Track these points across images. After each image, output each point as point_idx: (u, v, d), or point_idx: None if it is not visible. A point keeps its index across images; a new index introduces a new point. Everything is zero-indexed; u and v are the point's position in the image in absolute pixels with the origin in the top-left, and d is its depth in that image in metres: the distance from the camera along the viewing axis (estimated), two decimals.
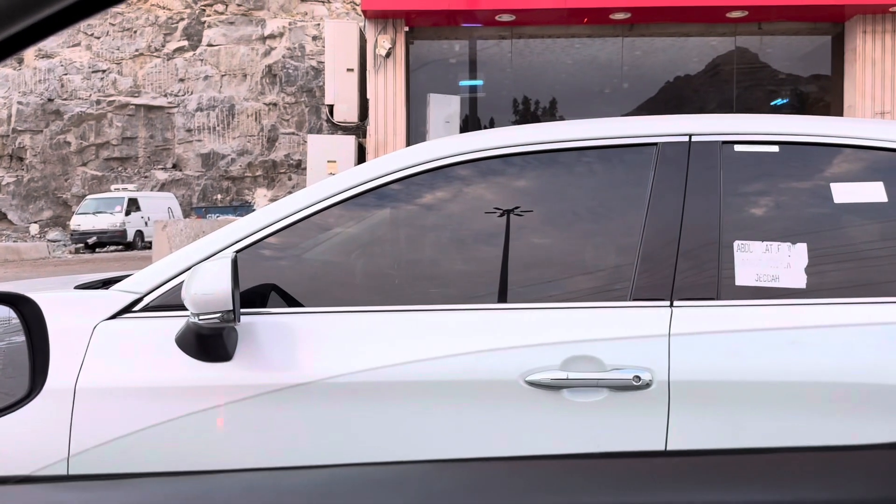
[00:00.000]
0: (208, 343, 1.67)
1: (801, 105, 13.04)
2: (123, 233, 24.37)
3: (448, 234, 2.05)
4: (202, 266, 1.64)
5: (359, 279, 2.10)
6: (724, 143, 1.85)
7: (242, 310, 1.73)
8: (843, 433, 1.59)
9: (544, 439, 1.64)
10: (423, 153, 1.92)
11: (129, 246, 24.38)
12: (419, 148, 1.97)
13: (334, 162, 10.78)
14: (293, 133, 28.22)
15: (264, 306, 1.85)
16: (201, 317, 1.61)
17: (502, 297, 1.87)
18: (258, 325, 1.75)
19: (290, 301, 1.90)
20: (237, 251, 1.80)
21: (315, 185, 1.96)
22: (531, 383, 1.63)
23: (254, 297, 1.87)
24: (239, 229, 1.85)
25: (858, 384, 1.60)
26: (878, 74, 10.74)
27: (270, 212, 1.87)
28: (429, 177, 1.92)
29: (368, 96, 10.90)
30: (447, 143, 1.95)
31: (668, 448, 1.61)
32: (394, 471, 0.73)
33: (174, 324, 1.74)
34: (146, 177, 28.69)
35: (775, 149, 1.85)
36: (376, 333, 1.75)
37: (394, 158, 1.94)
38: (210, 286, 1.59)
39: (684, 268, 1.73)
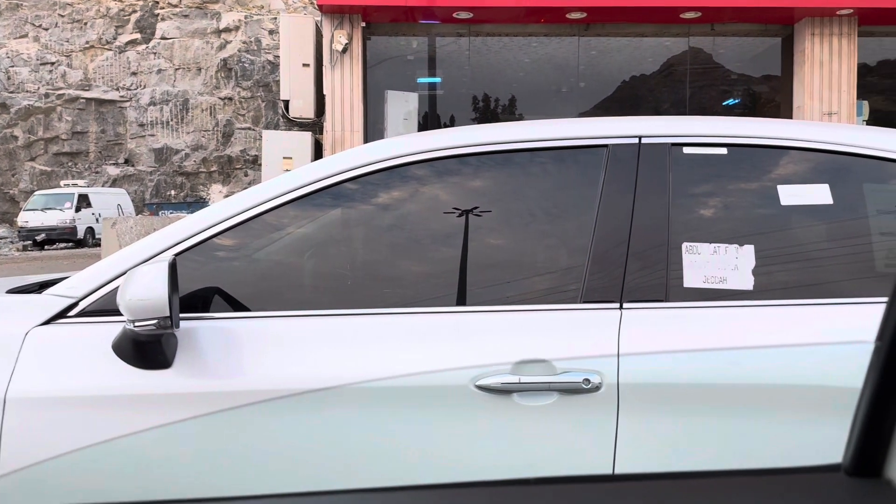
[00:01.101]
0: (146, 350, 1.61)
1: (753, 105, 13.29)
2: (73, 229, 23.78)
3: (400, 235, 2.01)
4: (138, 270, 1.57)
5: (306, 282, 2.05)
6: (674, 145, 1.84)
7: (183, 314, 1.67)
8: (793, 435, 1.60)
9: (494, 444, 1.62)
10: (378, 152, 1.88)
11: (80, 243, 23.79)
12: (373, 147, 1.93)
13: (290, 158, 10.64)
14: (249, 128, 27.81)
15: (207, 310, 1.79)
16: (137, 323, 1.55)
17: (453, 300, 1.84)
18: (200, 330, 1.69)
19: (235, 305, 1.84)
20: (177, 254, 1.74)
21: (260, 184, 1.91)
22: (481, 388, 1.61)
23: (196, 301, 1.81)
24: (180, 230, 1.79)
25: (806, 386, 1.60)
26: (826, 76, 11.00)
27: (213, 213, 1.82)
28: (382, 176, 1.88)
29: (325, 92, 10.77)
30: (401, 143, 1.92)
31: (617, 451, 1.60)
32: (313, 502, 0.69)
33: (112, 329, 1.67)
34: (97, 172, 28.00)
35: (723, 151, 1.85)
36: (323, 339, 1.70)
37: (346, 157, 1.90)
38: (145, 291, 1.53)
39: (634, 270, 1.72)
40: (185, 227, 1.79)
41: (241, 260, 1.89)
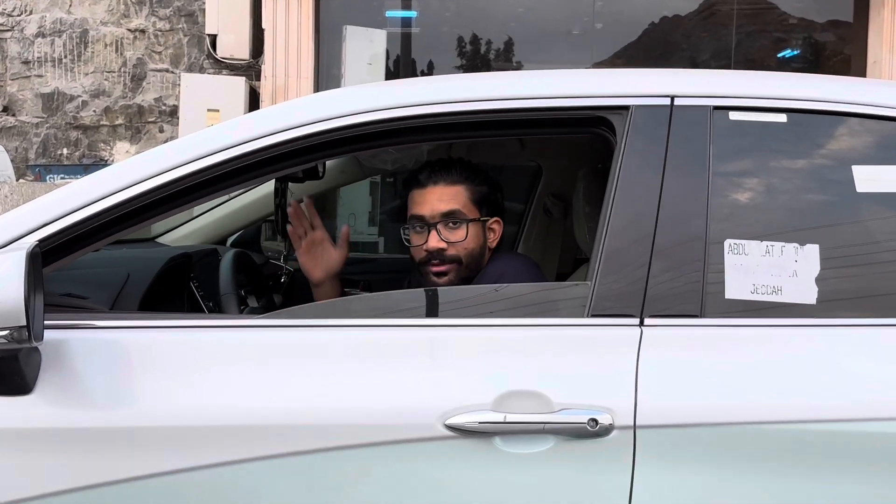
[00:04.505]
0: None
1: (816, 58, 13.36)
2: None
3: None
4: None
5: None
6: (717, 108, 1.79)
7: (50, 322, 1.58)
8: (867, 496, 1.57)
9: None
10: (336, 104, 1.80)
11: None
12: (331, 97, 1.85)
13: (217, 111, 10.47)
14: (167, 70, 27.49)
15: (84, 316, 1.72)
16: None
17: (418, 311, 1.80)
18: (72, 343, 1.61)
19: (122, 309, 1.78)
20: (42, 239, 1.65)
21: (167, 144, 1.83)
22: (452, 427, 1.56)
23: (70, 303, 1.74)
24: (47, 207, 1.68)
25: (881, 432, 1.57)
26: None
27: (95, 184, 1.72)
28: (339, 138, 1.80)
29: (264, 26, 10.66)
30: (369, 94, 1.87)
31: None
32: None
33: None
34: None
35: (783, 118, 1.80)
36: (241, 355, 1.64)
37: (295, 108, 1.82)
38: None
39: (660, 274, 1.68)
40: (55, 203, 1.69)
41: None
